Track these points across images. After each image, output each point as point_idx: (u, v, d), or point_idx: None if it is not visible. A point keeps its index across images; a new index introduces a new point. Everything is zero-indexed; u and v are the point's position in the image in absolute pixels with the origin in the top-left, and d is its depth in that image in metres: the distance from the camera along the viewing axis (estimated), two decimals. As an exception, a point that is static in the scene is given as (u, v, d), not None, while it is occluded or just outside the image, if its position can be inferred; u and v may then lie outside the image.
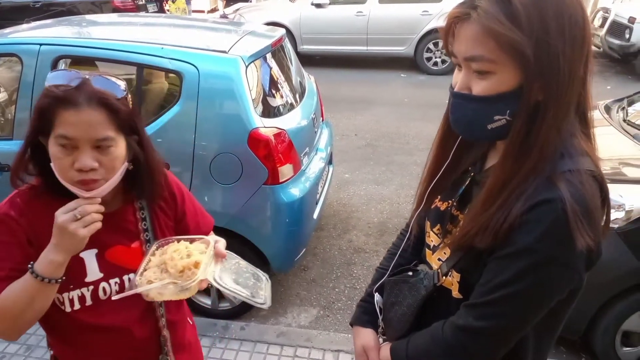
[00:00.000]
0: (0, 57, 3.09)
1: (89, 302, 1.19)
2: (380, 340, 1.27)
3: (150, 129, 2.72)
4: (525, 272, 0.93)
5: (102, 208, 1.10)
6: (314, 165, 3.33)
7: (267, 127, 2.74)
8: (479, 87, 0.94)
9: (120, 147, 1.12)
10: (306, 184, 3.08)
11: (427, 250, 1.20)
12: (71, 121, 1.04)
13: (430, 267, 1.17)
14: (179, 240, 1.20)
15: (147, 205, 1.27)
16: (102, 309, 1.20)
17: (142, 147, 1.18)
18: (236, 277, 1.19)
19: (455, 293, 1.08)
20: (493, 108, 0.94)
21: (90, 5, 9.73)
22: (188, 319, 1.48)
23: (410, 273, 1.19)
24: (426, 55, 8.94)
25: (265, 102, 2.93)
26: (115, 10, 9.45)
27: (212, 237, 1.22)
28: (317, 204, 3.35)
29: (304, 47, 9.23)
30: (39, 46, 2.77)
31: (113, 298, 1.12)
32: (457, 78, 0.98)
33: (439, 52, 8.81)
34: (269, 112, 2.92)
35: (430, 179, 1.17)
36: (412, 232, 1.27)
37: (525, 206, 0.92)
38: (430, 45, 8.86)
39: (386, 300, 1.24)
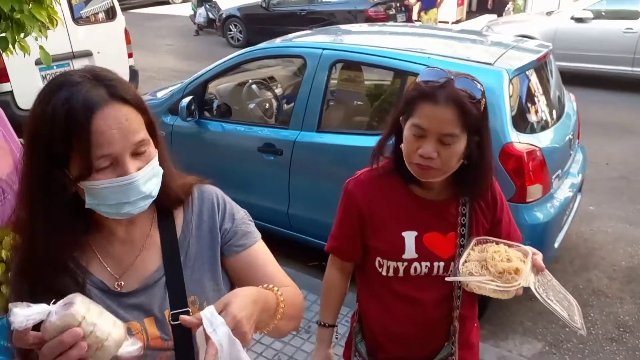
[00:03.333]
0: (290, 57, 3.64)
1: (400, 274, 1.36)
2: None
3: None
4: None
5: None
6: (564, 190, 3.09)
7: (521, 142, 2.65)
8: None
9: (460, 144, 1.21)
10: (552, 209, 2.89)
11: None
12: (427, 114, 1.19)
13: None
14: (497, 243, 1.26)
15: (470, 203, 1.35)
16: (410, 282, 1.35)
17: (480, 149, 1.26)
18: (553, 294, 1.20)
19: None
20: None
21: (346, 14, 10.67)
22: (476, 322, 1.53)
23: None
24: None
25: (522, 117, 2.84)
26: (368, 19, 10.15)
27: (530, 248, 1.25)
28: (559, 232, 3.10)
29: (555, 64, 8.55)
30: (321, 50, 3.18)
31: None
32: None
33: None
34: (525, 127, 2.82)
35: None
36: None
37: None
38: None
39: None
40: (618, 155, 5.67)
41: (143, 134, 0.91)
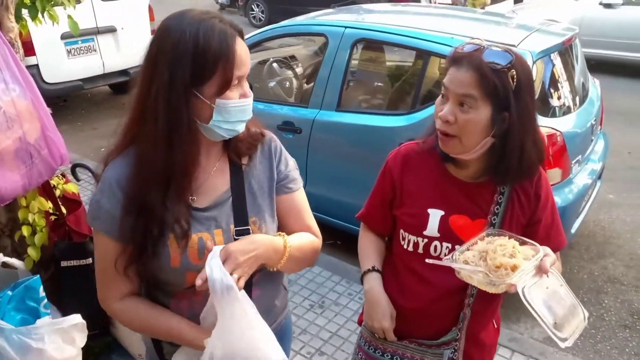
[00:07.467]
0: (312, 35, 3.64)
1: (420, 250, 1.33)
2: None
3: (421, 115, 2.89)
4: None
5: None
6: (583, 176, 3.07)
7: (542, 126, 2.63)
8: None
9: (480, 113, 1.17)
10: (570, 194, 2.87)
11: None
12: (450, 75, 1.21)
13: None
14: (510, 237, 1.18)
15: (509, 193, 1.28)
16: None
17: (509, 128, 1.18)
18: (547, 299, 1.14)
19: None
20: None
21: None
22: (494, 321, 1.48)
23: None
24: None
25: (544, 100, 2.82)
26: None
27: (544, 249, 1.17)
28: (577, 218, 3.09)
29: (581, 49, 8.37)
30: (344, 29, 3.17)
31: (427, 261, 1.21)
32: None
33: None
34: (547, 111, 2.80)
35: None
36: None
37: None
38: None
39: None
40: (641, 145, 5.58)
41: None
